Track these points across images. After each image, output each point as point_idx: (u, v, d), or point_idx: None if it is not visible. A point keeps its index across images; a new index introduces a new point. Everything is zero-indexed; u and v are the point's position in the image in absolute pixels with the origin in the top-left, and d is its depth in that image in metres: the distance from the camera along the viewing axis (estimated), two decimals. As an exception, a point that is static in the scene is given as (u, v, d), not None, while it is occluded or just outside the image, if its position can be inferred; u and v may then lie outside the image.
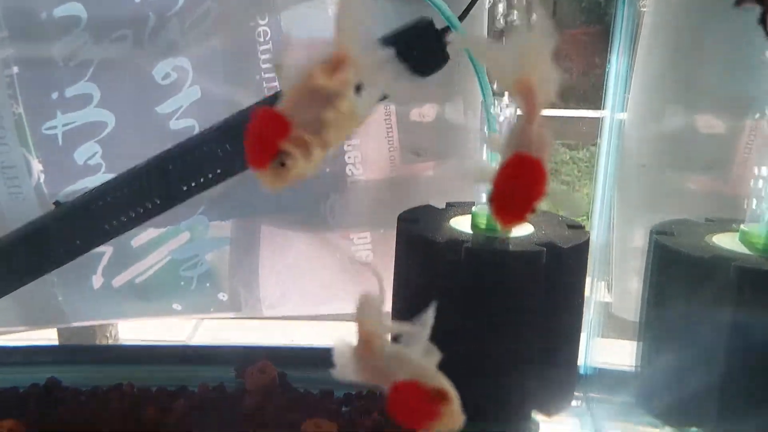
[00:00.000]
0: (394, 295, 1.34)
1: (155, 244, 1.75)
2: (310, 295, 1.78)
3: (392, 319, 1.35)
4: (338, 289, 1.75)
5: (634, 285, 1.53)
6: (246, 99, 1.55)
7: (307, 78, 0.57)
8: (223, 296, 1.77)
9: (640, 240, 1.57)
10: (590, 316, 1.62)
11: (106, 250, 1.72)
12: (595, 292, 1.65)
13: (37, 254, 1.34)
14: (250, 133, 0.55)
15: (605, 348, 1.62)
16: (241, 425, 1.31)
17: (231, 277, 1.77)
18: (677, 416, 1.26)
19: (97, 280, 1.73)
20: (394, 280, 1.34)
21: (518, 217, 0.57)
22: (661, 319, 1.27)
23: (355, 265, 1.72)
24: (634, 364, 1.39)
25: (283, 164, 0.55)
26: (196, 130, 1.57)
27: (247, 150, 0.56)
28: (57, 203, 1.40)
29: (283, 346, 1.69)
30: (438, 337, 1.26)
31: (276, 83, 1.57)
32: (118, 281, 1.74)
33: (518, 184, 0.55)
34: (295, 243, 1.74)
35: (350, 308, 1.82)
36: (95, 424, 1.29)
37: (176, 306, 1.77)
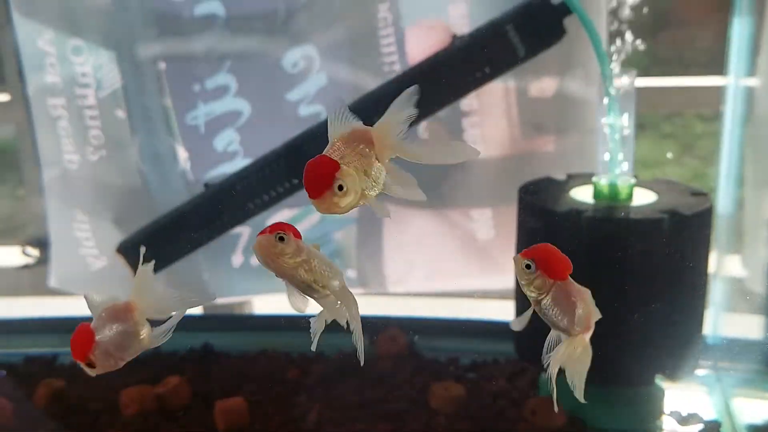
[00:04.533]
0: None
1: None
2: (432, 271, 1.85)
3: (516, 293, 1.39)
4: (460, 265, 1.80)
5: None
6: (368, 83, 1.64)
7: None
8: (351, 272, 1.87)
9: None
10: (718, 289, 1.60)
11: (243, 231, 1.86)
12: (723, 266, 1.62)
13: (192, 230, 1.49)
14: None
15: (737, 322, 1.60)
16: (374, 388, 1.40)
17: (358, 255, 1.87)
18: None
19: (236, 259, 1.87)
20: (516, 252, 1.38)
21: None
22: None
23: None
24: (765, 333, 1.37)
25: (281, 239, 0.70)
26: (323, 116, 1.67)
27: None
28: (206, 185, 1.54)
29: (412, 316, 1.76)
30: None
31: (397, 66, 1.64)
32: (256, 260, 1.88)
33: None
34: (417, 221, 1.81)
35: (471, 285, 1.87)
36: (245, 383, 1.42)
37: (310, 282, 1.88)
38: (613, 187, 1.29)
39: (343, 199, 0.67)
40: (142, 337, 0.76)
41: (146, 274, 0.77)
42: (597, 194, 1.30)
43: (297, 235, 0.72)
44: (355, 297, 0.77)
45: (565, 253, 1.24)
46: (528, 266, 0.73)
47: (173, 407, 1.36)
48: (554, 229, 1.25)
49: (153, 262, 0.77)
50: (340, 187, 0.66)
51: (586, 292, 0.76)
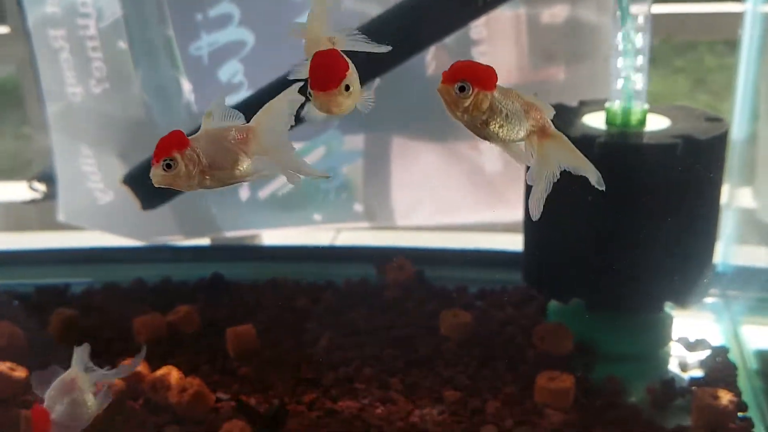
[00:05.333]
0: (526, 198, 1.37)
1: (295, 158, 1.85)
2: (440, 205, 1.84)
3: (525, 223, 1.38)
4: (467, 199, 1.80)
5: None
6: (373, 11, 1.59)
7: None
8: (358, 207, 1.86)
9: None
10: (730, 220, 1.59)
11: (250, 164, 1.85)
12: (735, 197, 1.61)
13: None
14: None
15: (747, 252, 1.59)
16: (383, 315, 1.41)
17: (365, 189, 1.86)
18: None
19: (244, 193, 1.87)
20: (526, 182, 1.37)
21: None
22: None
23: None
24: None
25: (168, 167, 0.65)
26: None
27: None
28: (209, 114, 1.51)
29: (420, 246, 1.76)
30: (573, 232, 1.29)
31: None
32: (263, 193, 1.87)
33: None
34: (424, 154, 1.79)
35: (479, 218, 1.86)
36: (255, 311, 1.44)
37: (316, 216, 1.88)
38: (625, 112, 1.26)
39: (347, 101, 0.65)
40: (90, 404, 0.85)
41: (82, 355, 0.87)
42: (610, 120, 1.27)
43: (183, 143, 0.65)
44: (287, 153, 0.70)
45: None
46: (463, 88, 0.64)
47: (184, 334, 1.38)
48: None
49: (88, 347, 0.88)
50: (347, 87, 0.64)
51: (517, 91, 0.67)
